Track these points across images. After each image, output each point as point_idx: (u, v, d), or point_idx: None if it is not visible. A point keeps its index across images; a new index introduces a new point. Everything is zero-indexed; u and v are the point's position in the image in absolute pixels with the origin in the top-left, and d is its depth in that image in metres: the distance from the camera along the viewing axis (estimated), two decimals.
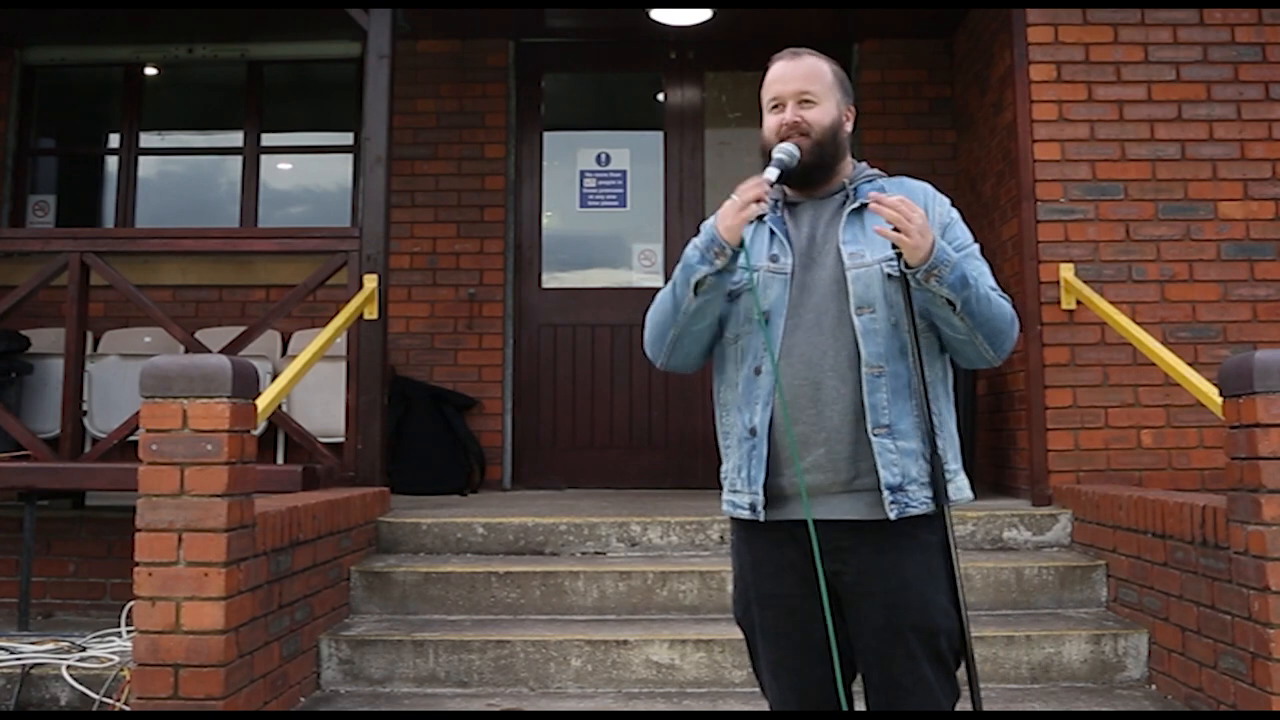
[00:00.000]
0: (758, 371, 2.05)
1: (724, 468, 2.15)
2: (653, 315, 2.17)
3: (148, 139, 6.47)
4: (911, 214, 1.95)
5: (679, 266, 2.09)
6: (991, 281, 2.08)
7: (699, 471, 5.98)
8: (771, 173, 2.05)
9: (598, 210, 6.28)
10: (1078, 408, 4.47)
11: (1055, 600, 3.83)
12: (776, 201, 2.16)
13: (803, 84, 2.14)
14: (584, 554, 4.12)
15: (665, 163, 6.29)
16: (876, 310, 2.02)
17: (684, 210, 6.23)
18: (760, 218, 2.14)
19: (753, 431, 2.05)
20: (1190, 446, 4.43)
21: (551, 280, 6.24)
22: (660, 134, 6.33)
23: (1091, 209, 4.57)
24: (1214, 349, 4.47)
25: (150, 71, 6.51)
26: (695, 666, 3.46)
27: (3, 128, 6.32)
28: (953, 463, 2.08)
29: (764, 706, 3.25)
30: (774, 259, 2.09)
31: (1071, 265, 4.51)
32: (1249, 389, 2.91)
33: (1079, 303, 4.46)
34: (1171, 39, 4.68)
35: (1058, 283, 4.48)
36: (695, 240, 2.07)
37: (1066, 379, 4.47)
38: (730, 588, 3.74)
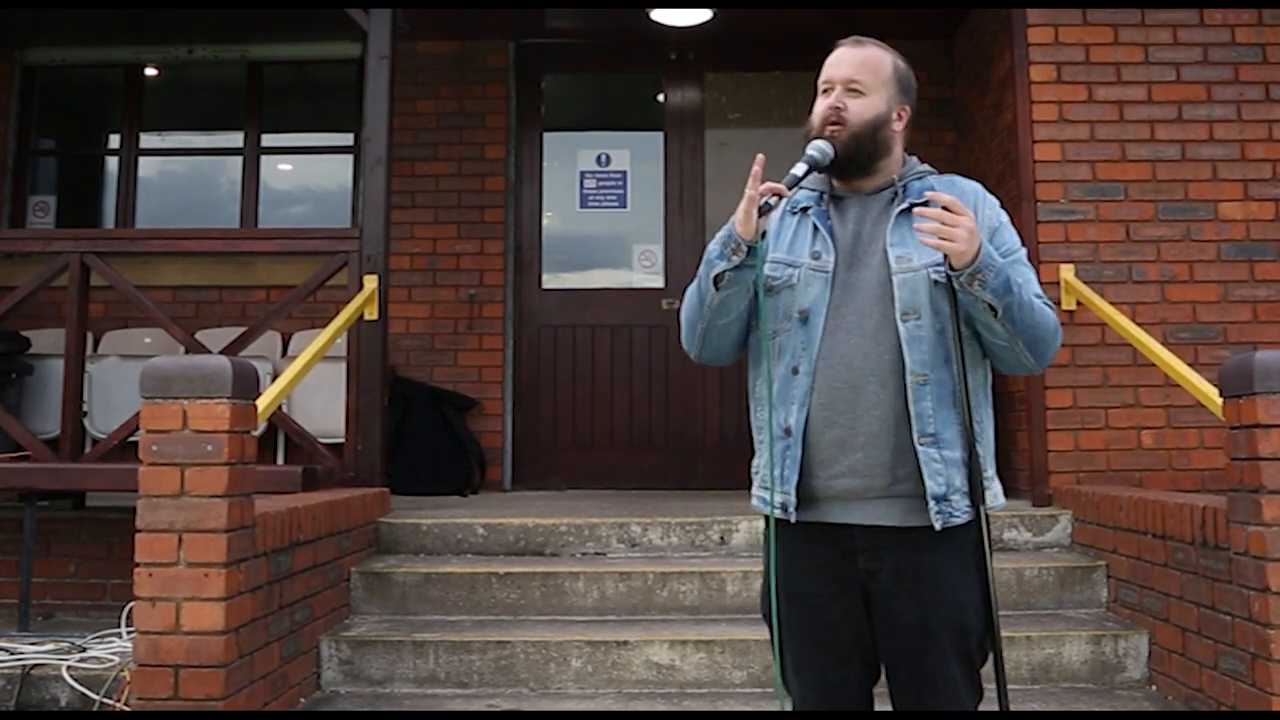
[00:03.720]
0: (795, 371, 2.02)
1: (755, 461, 2.13)
2: (684, 308, 2.15)
3: (148, 139, 6.47)
4: (959, 218, 1.91)
5: (703, 260, 2.06)
6: (1037, 289, 2.05)
7: (699, 472, 5.99)
8: (799, 168, 2.02)
9: (598, 211, 6.28)
10: (1078, 408, 4.47)
11: (1055, 601, 3.83)
12: (821, 194, 2.12)
13: (854, 72, 2.10)
14: (584, 555, 4.12)
15: (665, 163, 6.29)
16: (922, 317, 1.99)
17: (684, 211, 6.23)
18: (805, 209, 2.10)
19: (788, 431, 2.02)
20: (1190, 447, 4.43)
21: (552, 281, 6.24)
22: (660, 134, 6.33)
23: (1092, 210, 4.57)
24: (1214, 350, 4.47)
25: (150, 72, 6.51)
26: (695, 667, 3.45)
27: (3, 128, 6.31)
28: (989, 469, 2.06)
29: (765, 707, 3.26)
30: (816, 256, 2.05)
31: (1072, 266, 4.51)
32: (1249, 390, 2.91)
33: (1079, 303, 4.46)
34: (1172, 40, 4.68)
35: (1058, 283, 4.48)
36: (719, 233, 2.03)
37: (1066, 379, 4.47)
38: (730, 588, 3.76)
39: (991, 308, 1.94)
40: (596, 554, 4.13)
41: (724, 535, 4.15)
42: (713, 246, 2.03)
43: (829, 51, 2.17)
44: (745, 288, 2.03)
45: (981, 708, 2.06)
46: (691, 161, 6.28)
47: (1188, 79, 4.66)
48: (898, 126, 2.13)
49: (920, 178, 2.13)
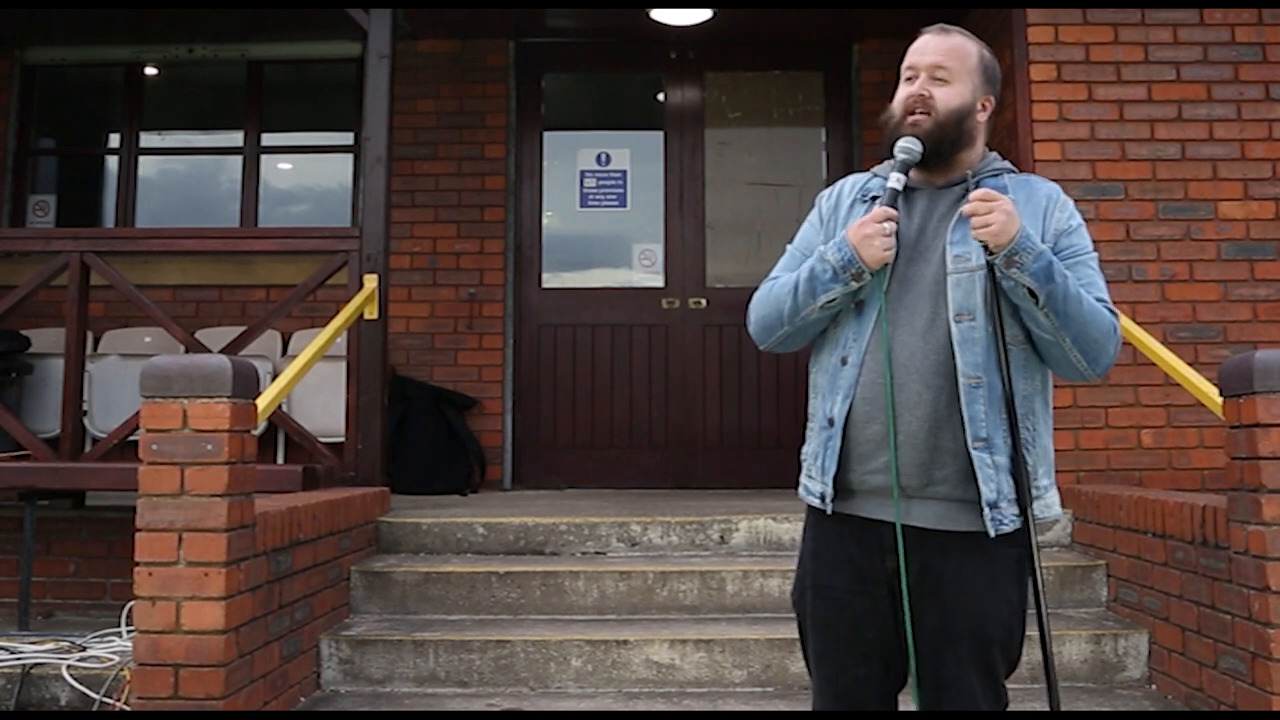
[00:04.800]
0: (844, 362, 2.02)
1: (804, 449, 2.13)
2: (763, 308, 2.13)
3: (148, 139, 6.47)
4: (995, 203, 1.90)
5: (803, 276, 2.04)
6: (1101, 293, 2.02)
7: (699, 472, 5.99)
8: (896, 179, 2.01)
9: (598, 210, 6.28)
10: (1078, 407, 4.47)
11: (1055, 600, 3.83)
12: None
13: (940, 59, 2.05)
14: (584, 554, 4.12)
15: (665, 162, 6.29)
16: (976, 318, 1.96)
17: (684, 210, 6.23)
18: (875, 198, 2.08)
19: (831, 422, 2.02)
20: (1190, 446, 4.43)
21: (552, 280, 6.24)
22: (660, 134, 6.33)
23: (1092, 209, 4.57)
24: (1214, 349, 4.48)
25: (150, 71, 6.51)
26: (695, 666, 3.45)
27: (3, 128, 6.31)
28: (1045, 478, 2.04)
29: (765, 706, 3.27)
30: None
31: None
32: (1249, 389, 2.91)
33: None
34: (1172, 39, 4.68)
35: None
36: (826, 255, 2.01)
37: None
38: (730, 587, 3.76)
39: (1032, 294, 1.91)
40: (596, 553, 4.13)
41: (724, 535, 4.15)
42: (820, 268, 2.01)
43: (911, 39, 2.13)
44: (850, 302, 2.03)
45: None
46: (691, 161, 6.28)
47: (1188, 78, 4.66)
48: (982, 118, 2.09)
49: (996, 175, 2.10)
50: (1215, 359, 4.26)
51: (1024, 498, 1.96)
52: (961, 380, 1.95)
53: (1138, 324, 4.25)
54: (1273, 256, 4.57)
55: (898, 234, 2.01)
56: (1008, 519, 1.95)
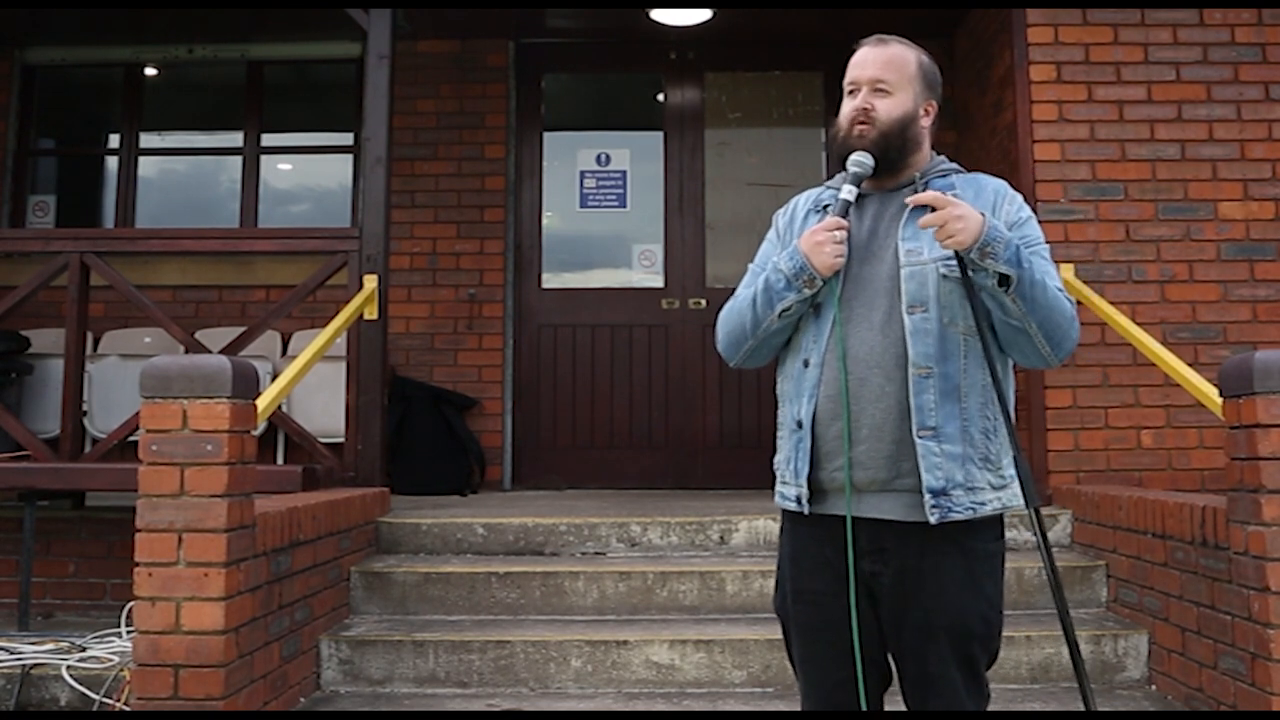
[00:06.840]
0: (806, 364, 2.06)
1: (776, 459, 2.16)
2: (728, 324, 2.17)
3: (148, 139, 6.47)
4: (949, 206, 1.92)
5: (759, 287, 2.08)
6: (1057, 282, 2.03)
7: (699, 472, 5.99)
8: (849, 191, 2.05)
9: (598, 210, 6.28)
10: (1077, 408, 4.47)
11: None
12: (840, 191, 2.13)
13: (879, 71, 2.11)
14: (584, 554, 4.12)
15: (665, 163, 6.29)
16: (929, 310, 1.99)
17: (684, 210, 6.23)
18: (826, 207, 2.13)
19: (799, 424, 2.05)
20: (1190, 447, 4.43)
21: (552, 280, 6.24)
22: (660, 134, 6.33)
23: (1091, 209, 4.57)
24: (1214, 349, 4.48)
25: (150, 71, 6.51)
26: (695, 667, 3.46)
27: (3, 128, 6.31)
28: (1008, 469, 2.05)
29: (764, 706, 3.27)
30: None
31: (1071, 265, 4.51)
32: (1249, 389, 2.91)
33: (1079, 303, 4.45)
34: (1171, 39, 4.68)
35: None
36: (779, 264, 2.05)
37: (1066, 379, 4.47)
38: (730, 587, 3.76)
39: (1004, 279, 1.92)
40: (596, 554, 4.13)
41: (724, 535, 4.15)
42: (774, 278, 2.05)
43: (851, 52, 2.18)
44: (807, 309, 2.07)
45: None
46: (691, 161, 6.28)
47: (1187, 79, 4.66)
48: (925, 123, 2.14)
49: (944, 175, 2.14)
50: (1215, 359, 4.26)
51: (1028, 488, 1.98)
52: (911, 370, 1.98)
53: (1138, 324, 4.25)
54: (1272, 257, 4.57)
55: (849, 239, 2.05)
56: (960, 507, 1.97)
